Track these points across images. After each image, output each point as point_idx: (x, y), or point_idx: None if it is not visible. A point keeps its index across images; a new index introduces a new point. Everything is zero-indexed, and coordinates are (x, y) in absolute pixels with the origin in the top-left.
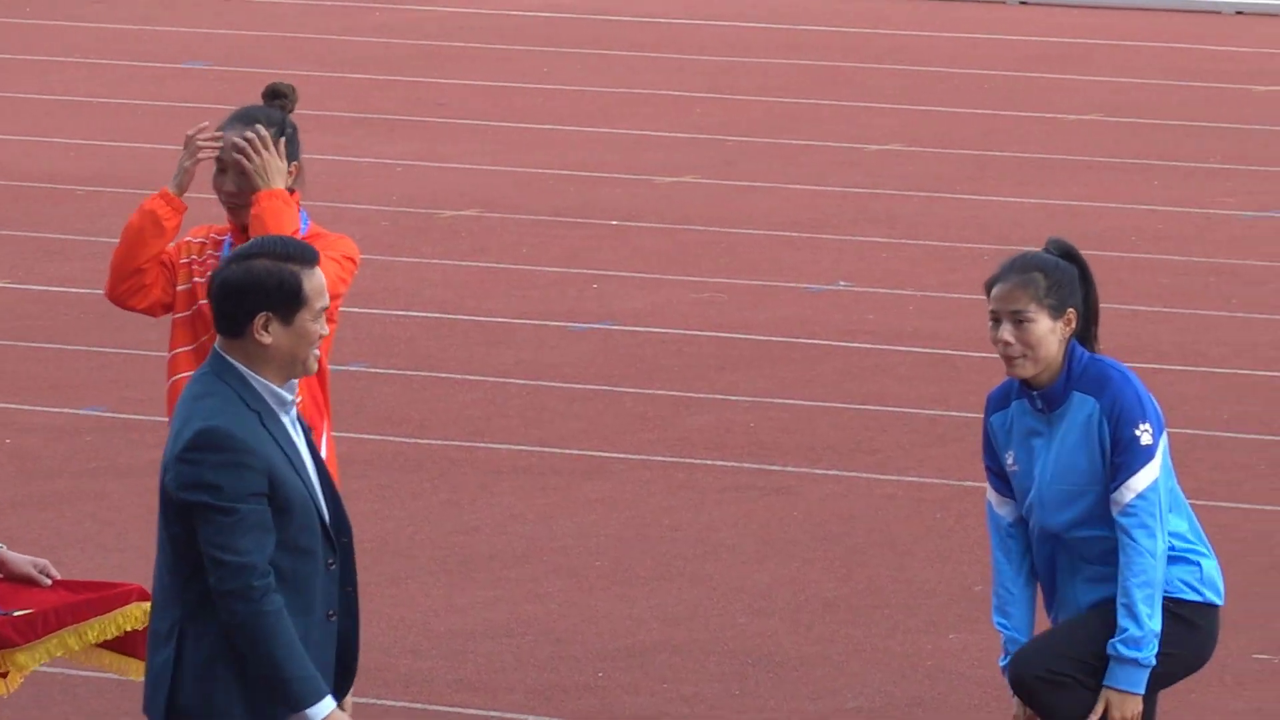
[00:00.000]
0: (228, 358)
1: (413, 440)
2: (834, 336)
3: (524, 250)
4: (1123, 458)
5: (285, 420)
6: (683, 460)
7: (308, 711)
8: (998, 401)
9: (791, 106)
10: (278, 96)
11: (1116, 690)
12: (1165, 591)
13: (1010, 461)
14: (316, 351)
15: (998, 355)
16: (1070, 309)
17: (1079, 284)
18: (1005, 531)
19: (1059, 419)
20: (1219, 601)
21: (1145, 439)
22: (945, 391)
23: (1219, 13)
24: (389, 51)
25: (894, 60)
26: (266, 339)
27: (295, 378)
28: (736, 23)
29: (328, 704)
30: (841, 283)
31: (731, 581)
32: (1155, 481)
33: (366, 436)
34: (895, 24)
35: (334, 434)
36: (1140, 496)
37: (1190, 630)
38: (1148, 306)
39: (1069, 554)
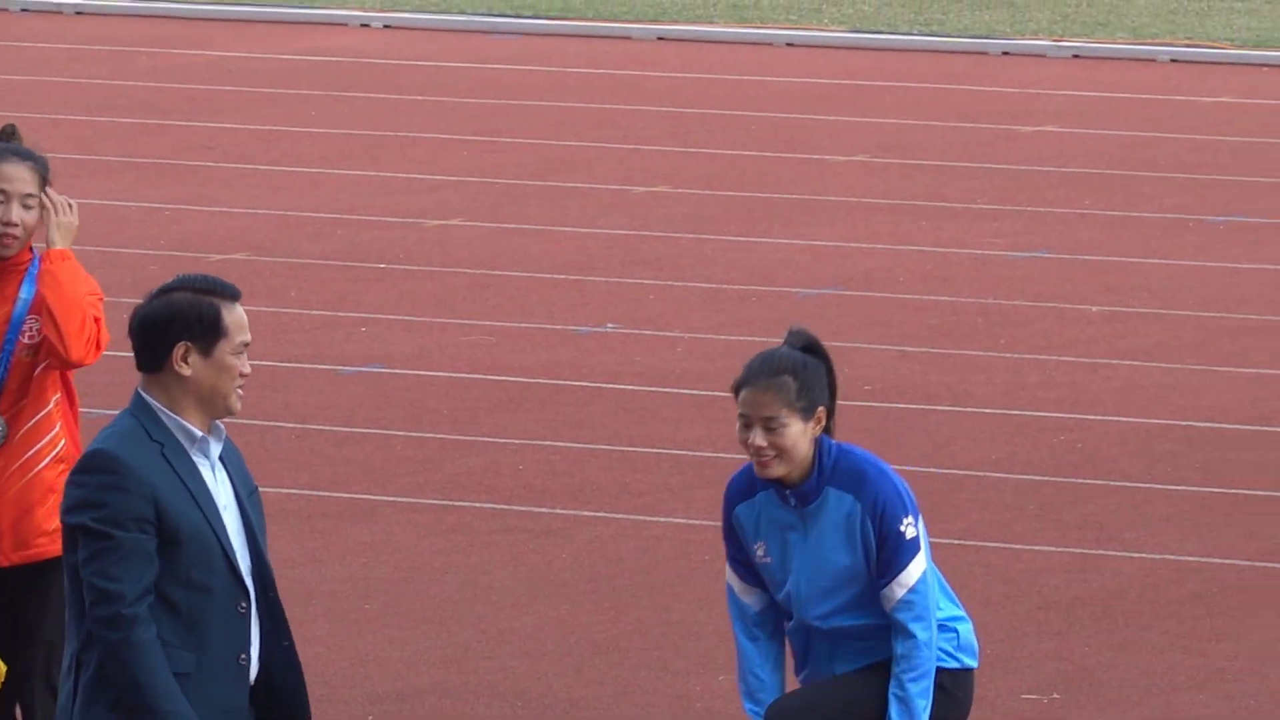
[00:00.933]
0: (145, 396)
1: None
2: (602, 378)
3: (292, 293)
4: (890, 555)
5: (197, 458)
6: (453, 503)
7: None
8: (742, 491)
9: (559, 149)
10: (10, 137)
11: None
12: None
13: (761, 554)
14: (240, 390)
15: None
16: (820, 407)
17: (825, 379)
18: (752, 619)
19: (813, 514)
20: (974, 665)
21: (910, 533)
22: (713, 433)
23: (985, 54)
24: (158, 96)
25: (661, 103)
26: (186, 370)
27: (218, 416)
28: (503, 65)
29: None
30: (610, 325)
31: (501, 623)
32: (924, 573)
33: None
34: (663, 66)
35: None
36: (912, 591)
37: (947, 697)
38: (916, 347)
39: (827, 639)
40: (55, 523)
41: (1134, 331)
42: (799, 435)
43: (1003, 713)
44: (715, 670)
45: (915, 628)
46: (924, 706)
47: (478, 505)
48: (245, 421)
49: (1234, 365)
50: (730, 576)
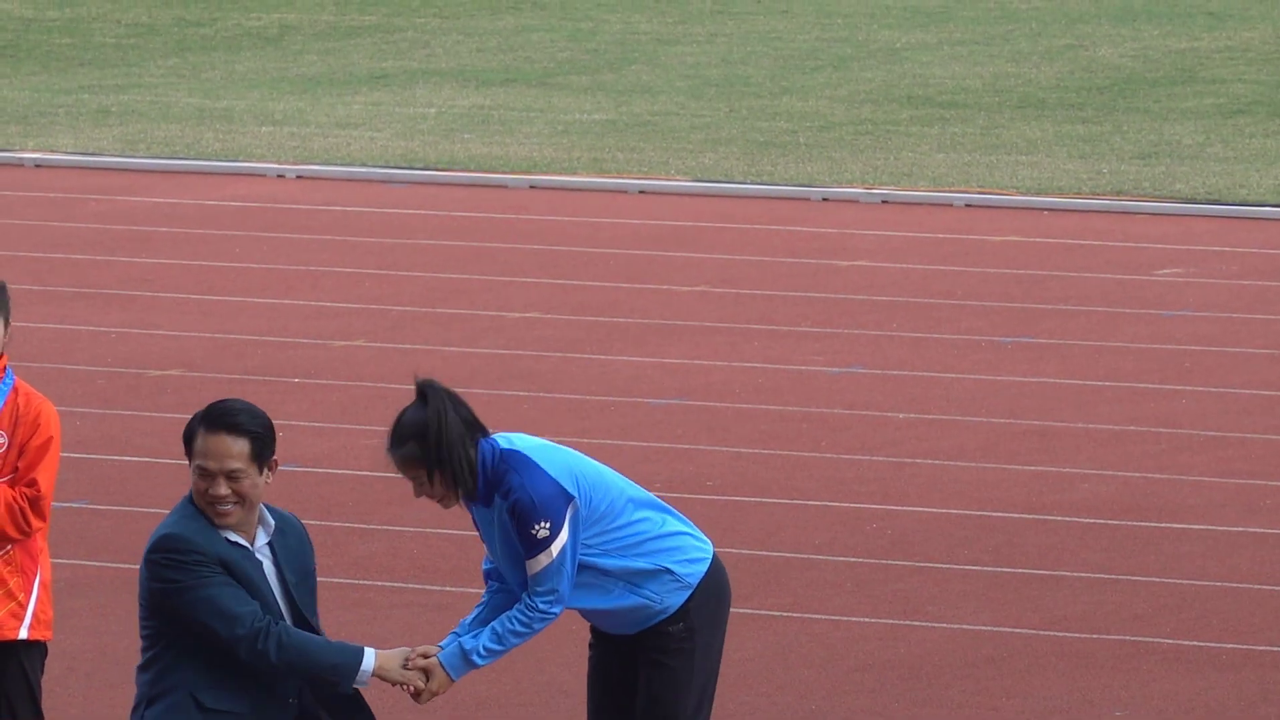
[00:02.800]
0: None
1: (128, 566)
2: None
3: None
4: (526, 546)
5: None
6: (356, 581)
7: (359, 672)
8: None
9: (445, 280)
10: None
11: (446, 671)
12: (658, 614)
13: (481, 535)
14: (222, 509)
15: None
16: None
17: (445, 421)
18: (486, 572)
19: (493, 514)
20: (709, 554)
21: (541, 534)
22: None
23: (808, 199)
24: (104, 235)
25: (532, 241)
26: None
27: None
28: (398, 210)
29: (368, 655)
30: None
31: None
32: (548, 566)
33: (88, 563)
34: (534, 210)
35: (59, 562)
36: (533, 578)
37: (708, 598)
38: (750, 449)
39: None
40: (3, 613)
41: (935, 435)
42: (440, 484)
43: None
44: None
45: (535, 600)
46: (490, 652)
47: (379, 584)
48: None
49: (1019, 464)
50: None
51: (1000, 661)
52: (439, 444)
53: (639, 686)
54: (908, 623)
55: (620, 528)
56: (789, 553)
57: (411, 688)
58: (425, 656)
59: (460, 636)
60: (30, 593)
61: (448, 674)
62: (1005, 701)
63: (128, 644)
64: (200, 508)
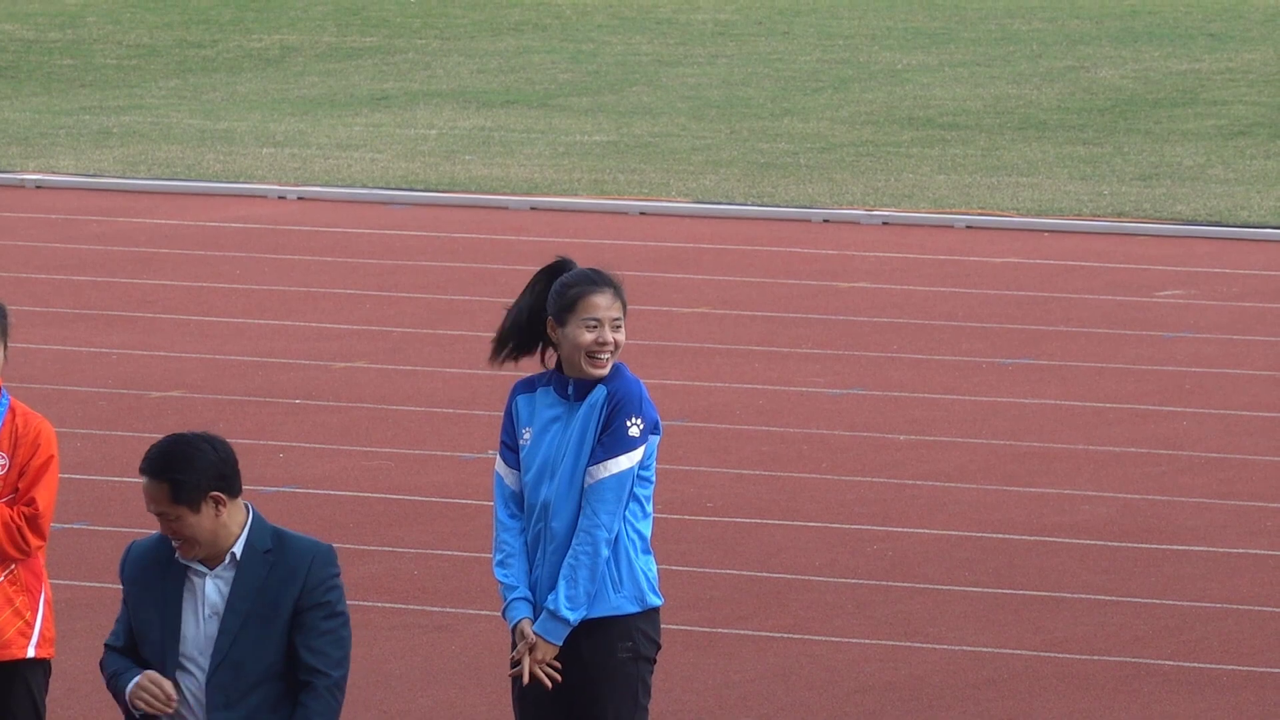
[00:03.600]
0: None
1: None
2: (484, 497)
3: (220, 425)
4: (608, 440)
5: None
6: (357, 602)
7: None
8: (525, 386)
9: (446, 302)
10: None
11: (542, 638)
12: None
13: (526, 437)
14: (177, 542)
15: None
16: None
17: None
18: (511, 497)
19: (579, 406)
20: (660, 602)
21: (634, 431)
22: None
23: (809, 221)
24: (105, 257)
25: (533, 262)
26: None
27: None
28: (399, 231)
29: (131, 685)
30: (490, 451)
31: (399, 705)
32: (628, 471)
33: (88, 584)
34: (534, 232)
35: (60, 583)
36: (613, 477)
37: (650, 633)
38: (751, 470)
39: (553, 534)
40: (11, 632)
41: (936, 457)
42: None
43: None
44: None
45: (600, 509)
46: (584, 587)
47: (379, 605)
48: None
49: (1020, 485)
50: (499, 465)
51: (1001, 683)
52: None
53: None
54: (908, 644)
55: (647, 515)
56: (789, 574)
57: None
58: (524, 636)
59: (519, 596)
60: (37, 611)
61: (550, 642)
62: None
63: None
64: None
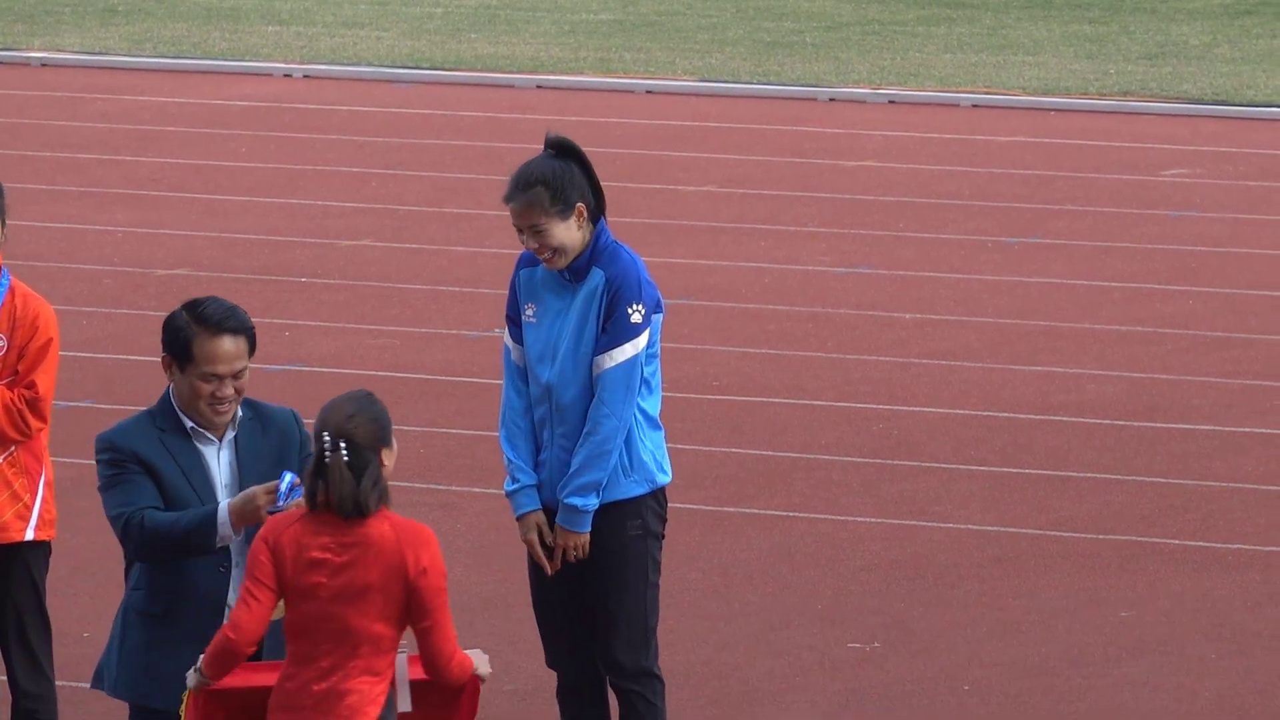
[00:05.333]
0: (170, 383)
1: None
2: (490, 375)
3: None
4: (612, 329)
5: (198, 442)
6: None
7: (218, 526)
8: (529, 260)
9: (451, 180)
10: None
11: (564, 529)
12: (650, 476)
13: (530, 314)
14: (221, 408)
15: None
16: (578, 204)
17: (579, 176)
18: (519, 373)
19: (578, 289)
20: (669, 479)
21: (635, 318)
22: None
23: (814, 100)
24: (111, 135)
25: (538, 140)
26: (170, 378)
27: (200, 425)
28: (403, 109)
29: (220, 511)
30: (496, 329)
31: None
32: (634, 358)
33: (94, 462)
34: (540, 110)
35: (65, 461)
36: (619, 366)
37: (659, 509)
38: (757, 349)
39: (560, 417)
40: (9, 514)
41: (941, 336)
42: (562, 232)
43: (832, 659)
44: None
45: (610, 397)
46: (598, 471)
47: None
48: None
49: (1026, 364)
50: (506, 337)
51: (1006, 562)
52: (565, 187)
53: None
54: (913, 523)
55: (652, 391)
56: (795, 453)
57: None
58: (534, 529)
59: (527, 484)
60: (36, 493)
61: (574, 530)
62: (1011, 602)
63: None
64: (190, 409)
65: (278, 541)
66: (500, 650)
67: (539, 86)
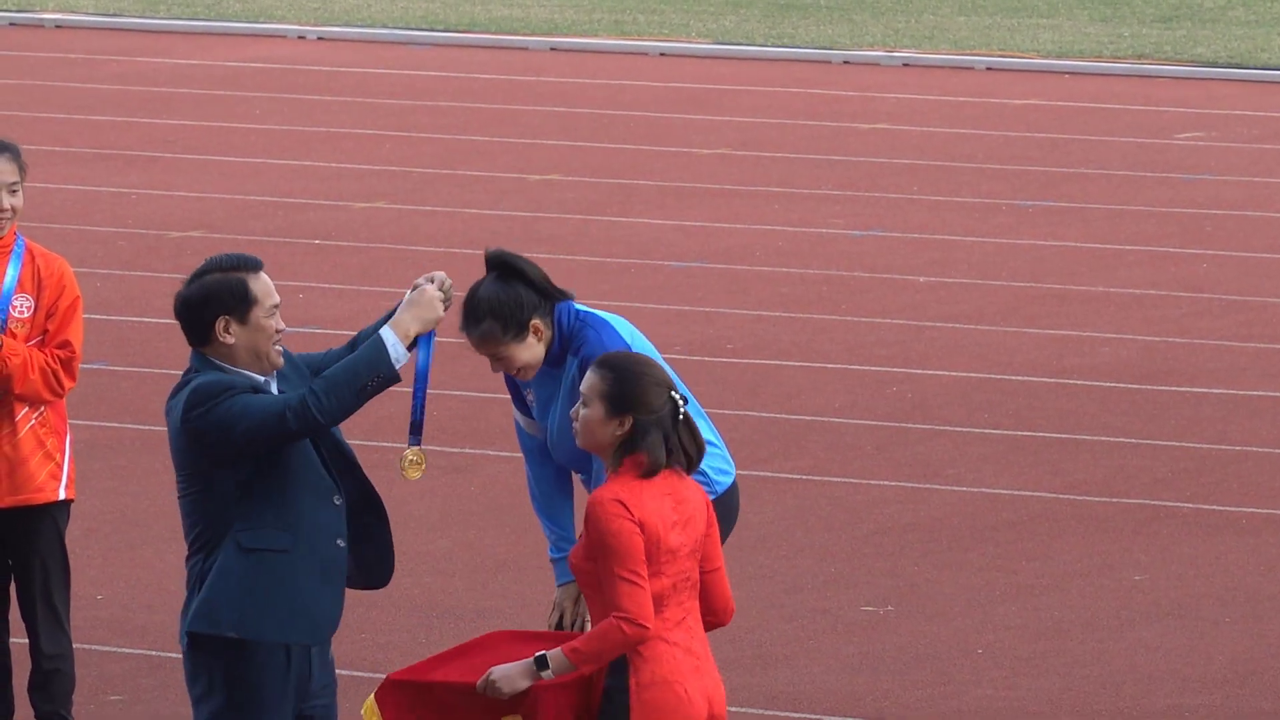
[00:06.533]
0: (206, 357)
1: (147, 427)
2: None
3: None
4: None
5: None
6: (376, 443)
7: (391, 355)
8: None
9: (465, 143)
10: None
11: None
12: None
13: (531, 398)
14: (278, 346)
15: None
16: (532, 322)
17: (524, 290)
18: (535, 447)
19: (560, 377)
20: (732, 476)
21: None
22: None
23: (829, 62)
24: (125, 97)
25: (552, 103)
26: (229, 339)
27: (263, 372)
28: (417, 71)
29: (384, 331)
30: None
31: (419, 546)
32: None
33: (107, 424)
34: (554, 73)
35: (79, 423)
36: None
37: (725, 510)
38: (770, 311)
39: (582, 483)
40: (43, 475)
41: (955, 299)
42: (525, 351)
43: (845, 622)
44: None
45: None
46: None
47: (398, 445)
48: None
49: (1040, 327)
50: (516, 415)
51: (1020, 525)
52: (513, 312)
53: None
54: (927, 486)
55: None
56: (809, 415)
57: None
58: (571, 603)
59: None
60: (65, 453)
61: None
62: (1025, 565)
63: (147, 505)
64: (253, 360)
65: (642, 519)
66: (514, 611)
67: (553, 49)
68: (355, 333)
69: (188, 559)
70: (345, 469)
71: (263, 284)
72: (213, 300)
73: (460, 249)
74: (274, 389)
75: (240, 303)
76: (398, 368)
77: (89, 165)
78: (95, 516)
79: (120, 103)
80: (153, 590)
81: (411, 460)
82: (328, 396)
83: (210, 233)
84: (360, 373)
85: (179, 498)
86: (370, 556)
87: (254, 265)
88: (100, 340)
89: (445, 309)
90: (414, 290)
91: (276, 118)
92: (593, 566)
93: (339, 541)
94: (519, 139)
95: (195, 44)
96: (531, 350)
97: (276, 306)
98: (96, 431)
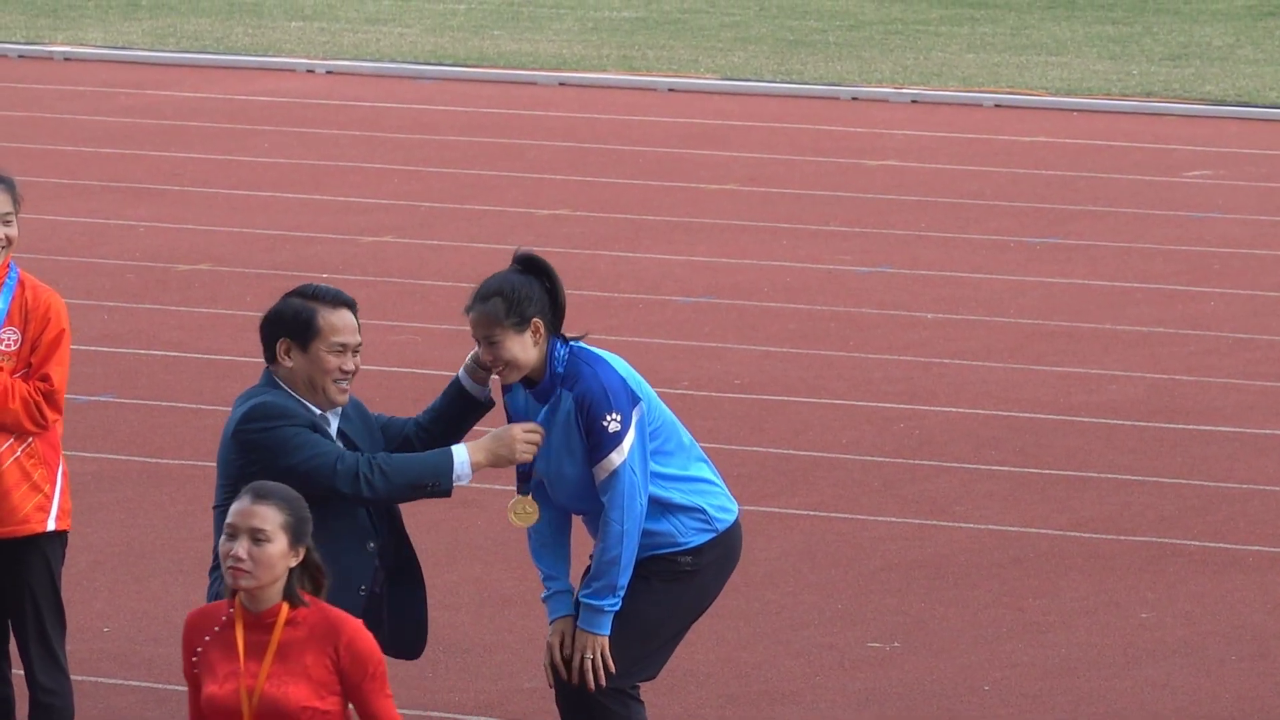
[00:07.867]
0: (274, 378)
1: (153, 460)
2: None
3: (248, 299)
4: (595, 443)
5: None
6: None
7: (454, 465)
8: (514, 385)
9: (473, 177)
10: None
11: (582, 630)
12: (672, 545)
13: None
14: (342, 384)
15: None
16: (534, 319)
17: (540, 292)
18: (535, 491)
19: (552, 411)
20: (734, 515)
21: (613, 426)
22: None
23: (837, 99)
24: (133, 129)
25: (561, 138)
26: (288, 363)
27: (321, 406)
28: (426, 105)
29: (456, 448)
30: None
31: (426, 580)
32: (624, 463)
33: (114, 457)
34: (562, 107)
35: (85, 455)
36: (611, 475)
37: (724, 551)
38: (778, 348)
39: (593, 526)
40: (29, 506)
41: (963, 336)
42: (517, 347)
43: (851, 658)
44: None
45: (611, 512)
46: (615, 582)
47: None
48: (207, 407)
49: (1047, 365)
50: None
51: (1026, 562)
52: (522, 302)
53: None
54: (934, 523)
55: (669, 455)
56: (816, 452)
57: (561, 659)
58: (561, 636)
59: (560, 589)
60: (54, 484)
61: (594, 633)
62: (1031, 602)
63: (154, 538)
64: (311, 391)
65: None
66: (519, 647)
67: (562, 84)
68: (368, 367)
69: (211, 570)
70: (383, 515)
71: (337, 320)
72: (281, 321)
73: (468, 284)
74: (333, 427)
75: (304, 330)
76: (456, 486)
77: (97, 198)
78: (102, 549)
79: (129, 135)
80: (159, 623)
81: (520, 510)
82: (384, 477)
83: (218, 265)
84: (423, 475)
85: (213, 508)
86: (409, 631)
87: (336, 300)
88: (106, 373)
89: (527, 458)
90: (504, 430)
91: (285, 151)
92: None
93: (361, 589)
94: (527, 174)
95: (204, 77)
96: (524, 349)
97: (346, 346)
98: (103, 464)
